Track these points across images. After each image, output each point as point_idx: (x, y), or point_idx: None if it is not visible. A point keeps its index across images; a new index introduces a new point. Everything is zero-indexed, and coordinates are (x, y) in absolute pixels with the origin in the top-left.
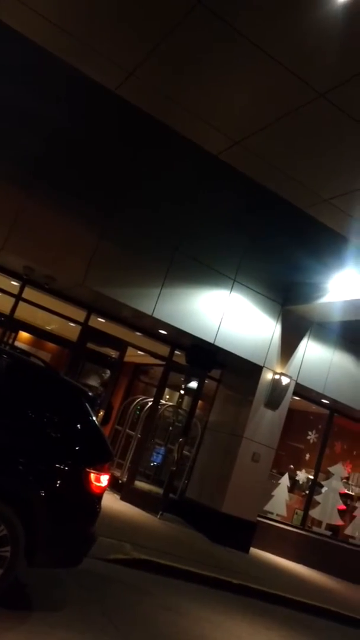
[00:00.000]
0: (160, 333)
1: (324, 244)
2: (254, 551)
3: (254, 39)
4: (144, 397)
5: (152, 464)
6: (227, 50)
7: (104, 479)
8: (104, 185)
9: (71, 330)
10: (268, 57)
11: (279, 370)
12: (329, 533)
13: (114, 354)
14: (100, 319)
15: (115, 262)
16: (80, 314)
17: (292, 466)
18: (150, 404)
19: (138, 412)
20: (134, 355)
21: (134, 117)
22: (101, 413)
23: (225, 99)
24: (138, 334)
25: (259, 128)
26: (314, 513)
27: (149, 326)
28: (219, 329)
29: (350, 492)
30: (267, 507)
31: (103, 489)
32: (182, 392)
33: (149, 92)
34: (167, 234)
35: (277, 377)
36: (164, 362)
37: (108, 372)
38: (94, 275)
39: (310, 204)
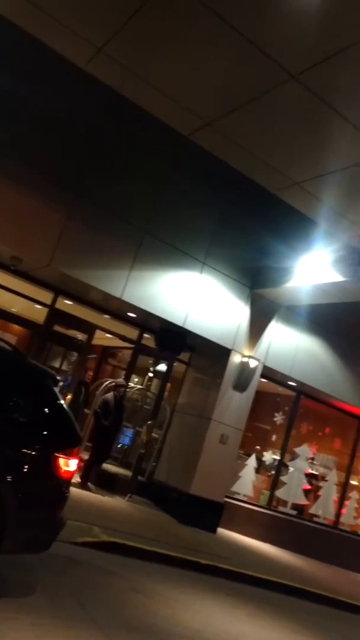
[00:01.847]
0: (129, 316)
1: (292, 228)
2: (222, 531)
3: (225, 15)
4: (111, 380)
5: (120, 447)
6: (197, 26)
7: (73, 464)
8: (72, 165)
9: (38, 313)
10: (239, 34)
11: (247, 353)
12: (294, 512)
13: (81, 336)
14: (67, 301)
15: (83, 243)
16: (47, 296)
17: (258, 447)
18: None
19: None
20: (102, 338)
21: (103, 94)
22: (69, 396)
23: (196, 79)
24: (106, 316)
25: (230, 109)
26: (280, 493)
27: (118, 309)
28: (188, 312)
29: (314, 472)
30: (234, 488)
31: (72, 474)
32: (150, 375)
33: (119, 69)
34: (136, 216)
35: (245, 360)
36: (132, 345)
37: (75, 355)
38: (61, 257)
39: (280, 187)
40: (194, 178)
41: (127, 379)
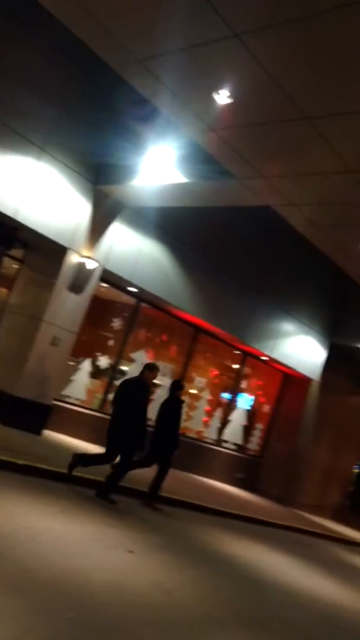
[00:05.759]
0: None
1: (138, 121)
2: (49, 434)
3: None
4: None
5: None
6: None
7: None
8: None
9: None
10: None
11: (85, 253)
12: None
13: None
14: None
15: None
16: None
17: (99, 353)
18: None
19: None
20: None
21: None
22: None
23: None
24: None
25: None
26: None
27: None
28: (21, 202)
29: None
30: (66, 392)
31: None
32: None
33: None
34: None
35: (82, 260)
36: None
37: None
38: None
39: (122, 63)
40: (32, 49)
41: None
